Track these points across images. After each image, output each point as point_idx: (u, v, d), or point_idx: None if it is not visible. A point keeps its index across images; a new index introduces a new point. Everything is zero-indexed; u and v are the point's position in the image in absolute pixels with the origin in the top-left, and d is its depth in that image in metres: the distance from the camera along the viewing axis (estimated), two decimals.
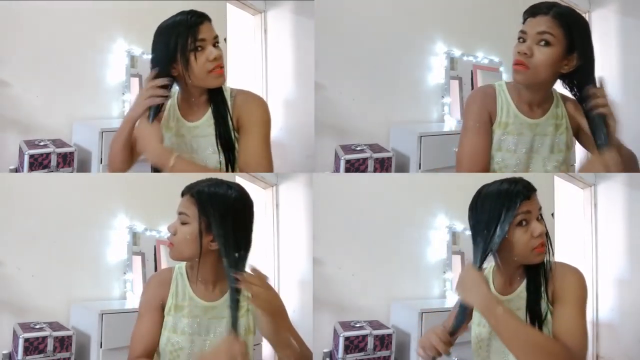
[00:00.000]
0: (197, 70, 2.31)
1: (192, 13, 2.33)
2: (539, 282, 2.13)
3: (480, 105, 2.41)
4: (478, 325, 2.21)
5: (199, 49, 2.30)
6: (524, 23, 2.33)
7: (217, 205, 2.15)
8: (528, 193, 2.11)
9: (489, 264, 2.20)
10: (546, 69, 2.31)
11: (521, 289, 2.15)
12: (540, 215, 2.13)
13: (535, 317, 2.12)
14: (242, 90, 2.43)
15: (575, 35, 2.30)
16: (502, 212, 2.09)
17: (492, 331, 2.14)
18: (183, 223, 2.17)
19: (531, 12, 2.33)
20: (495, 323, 2.06)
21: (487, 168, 2.41)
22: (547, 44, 2.28)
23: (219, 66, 2.33)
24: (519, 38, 2.32)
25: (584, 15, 3.12)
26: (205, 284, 2.22)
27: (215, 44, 2.33)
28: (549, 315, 2.12)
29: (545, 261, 2.13)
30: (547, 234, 2.14)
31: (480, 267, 2.12)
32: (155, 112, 2.34)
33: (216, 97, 2.38)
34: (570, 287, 2.11)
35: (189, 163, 2.35)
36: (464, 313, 2.16)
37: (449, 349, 2.16)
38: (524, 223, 2.10)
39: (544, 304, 2.12)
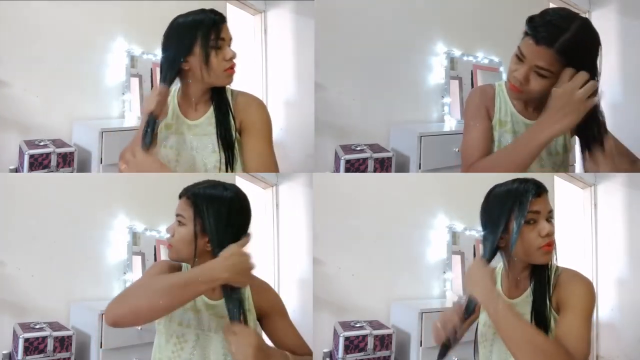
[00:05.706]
0: (214, 67, 2.33)
1: (214, 12, 2.36)
2: (546, 286, 2.12)
3: (479, 102, 2.41)
4: (484, 326, 2.22)
5: (219, 47, 2.33)
6: (525, 36, 2.21)
7: (212, 207, 2.15)
8: (539, 190, 2.11)
9: (499, 264, 2.20)
10: (540, 94, 2.26)
11: (527, 294, 2.15)
12: (551, 217, 2.13)
13: (541, 321, 2.10)
14: (242, 91, 2.45)
15: (581, 67, 2.20)
16: (513, 209, 2.09)
17: (496, 332, 2.15)
18: (180, 224, 2.18)
19: (534, 35, 2.19)
20: (494, 316, 2.04)
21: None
22: (544, 77, 2.22)
23: (233, 66, 2.36)
24: (516, 55, 2.23)
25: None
26: None
27: (230, 45, 2.37)
28: (552, 323, 2.11)
29: (550, 265, 2.13)
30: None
31: (488, 261, 2.11)
32: (152, 134, 2.32)
33: (218, 96, 2.40)
34: (577, 295, 2.09)
35: None
36: (471, 308, 2.14)
37: (465, 330, 2.15)
38: (532, 222, 2.10)
39: (548, 309, 2.11)
